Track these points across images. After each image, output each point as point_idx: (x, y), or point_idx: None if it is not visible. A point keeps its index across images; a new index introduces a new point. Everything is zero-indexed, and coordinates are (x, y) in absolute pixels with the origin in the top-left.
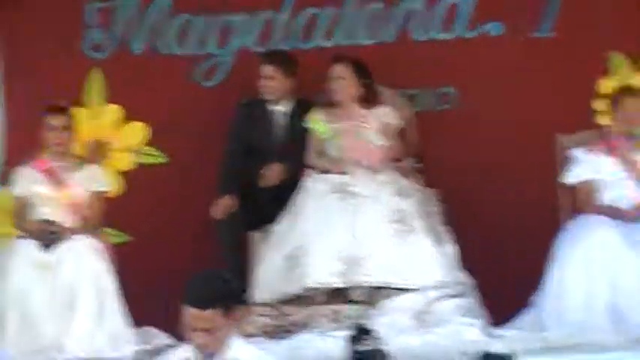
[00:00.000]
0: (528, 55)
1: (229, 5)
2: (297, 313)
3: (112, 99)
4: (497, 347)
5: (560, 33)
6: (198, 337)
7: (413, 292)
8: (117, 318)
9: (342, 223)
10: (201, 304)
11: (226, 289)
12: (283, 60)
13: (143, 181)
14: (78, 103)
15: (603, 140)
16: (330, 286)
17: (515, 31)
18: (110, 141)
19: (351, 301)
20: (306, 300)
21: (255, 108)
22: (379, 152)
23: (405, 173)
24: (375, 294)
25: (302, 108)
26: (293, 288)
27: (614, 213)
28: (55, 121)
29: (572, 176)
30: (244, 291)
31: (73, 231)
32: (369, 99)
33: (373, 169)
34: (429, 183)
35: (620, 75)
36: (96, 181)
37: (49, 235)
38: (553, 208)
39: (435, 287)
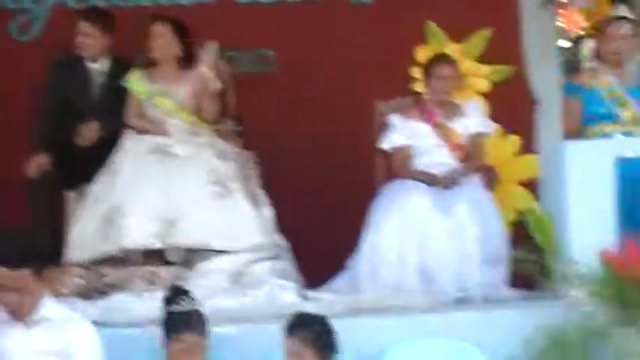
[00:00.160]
0: (348, 21)
1: None
2: (113, 274)
3: None
4: (311, 309)
5: (380, 0)
6: (8, 296)
7: (229, 254)
8: None
9: (159, 184)
10: (9, 263)
11: (35, 248)
12: (100, 17)
13: None
14: None
15: (418, 107)
16: (146, 247)
17: None
18: None
19: (167, 263)
20: (122, 261)
21: (72, 65)
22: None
23: (223, 136)
24: (192, 256)
25: (121, 67)
26: (109, 249)
27: (428, 179)
28: None
29: (388, 142)
30: (58, 251)
31: None
32: (187, 59)
33: (192, 132)
34: (247, 146)
35: (435, 44)
36: None
37: None
38: (370, 173)
39: (252, 250)
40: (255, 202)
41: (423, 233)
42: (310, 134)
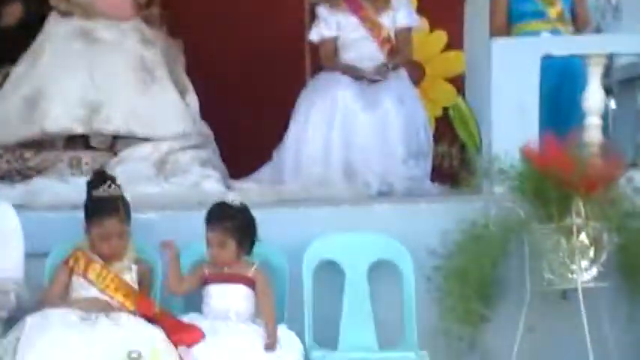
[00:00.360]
0: None
1: None
2: (35, 158)
3: None
4: (233, 198)
5: None
6: None
7: (154, 141)
8: None
9: (83, 68)
10: None
11: None
12: None
13: None
14: None
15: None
16: (69, 132)
17: None
18: None
19: (91, 148)
20: (45, 144)
21: None
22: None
23: (149, 22)
24: (116, 142)
25: None
26: (31, 132)
27: (355, 72)
28: None
29: (316, 33)
30: None
31: None
32: None
33: (119, 17)
34: (172, 33)
35: None
36: None
37: None
38: (298, 64)
39: (176, 138)
40: (180, 90)
41: (347, 127)
42: (238, 23)
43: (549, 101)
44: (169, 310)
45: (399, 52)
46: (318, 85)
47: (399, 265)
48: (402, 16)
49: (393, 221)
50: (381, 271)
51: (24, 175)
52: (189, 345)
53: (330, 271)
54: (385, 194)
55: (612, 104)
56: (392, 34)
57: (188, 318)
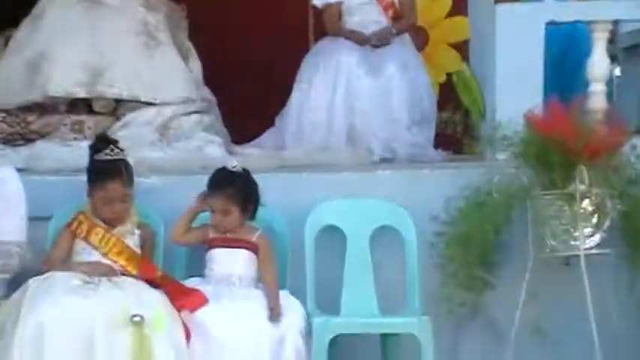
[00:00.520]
0: None
1: None
2: (37, 121)
3: None
4: (235, 164)
5: None
6: None
7: (157, 106)
8: None
9: (86, 32)
10: None
11: None
12: None
13: None
14: None
15: None
16: (72, 96)
17: None
18: None
19: (94, 112)
20: (48, 108)
21: None
22: None
23: None
24: (119, 106)
25: None
26: (34, 95)
27: (358, 38)
28: None
29: None
30: None
31: None
32: None
33: None
34: None
35: None
36: None
37: None
38: (302, 30)
39: (179, 102)
40: (183, 55)
41: (351, 92)
42: None
43: (554, 67)
44: (172, 274)
45: (403, 17)
46: (321, 50)
47: (402, 231)
48: None
49: (396, 187)
50: (383, 237)
51: (27, 138)
52: (192, 310)
53: (333, 237)
54: (388, 160)
55: (617, 71)
56: None
57: (191, 283)
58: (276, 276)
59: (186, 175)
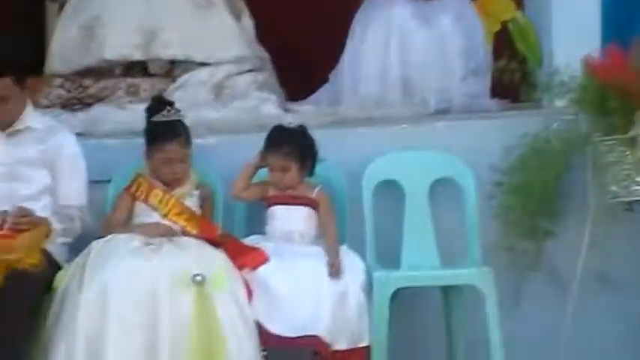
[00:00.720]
0: None
1: None
2: (94, 85)
3: None
4: (291, 121)
5: None
6: None
7: (211, 65)
8: None
9: None
10: None
11: (16, 57)
12: None
13: None
14: None
15: None
16: (127, 59)
17: None
18: None
19: (149, 75)
20: (103, 72)
21: None
22: None
23: None
24: (174, 67)
25: None
26: (89, 59)
27: None
28: None
29: None
30: (40, 62)
31: None
32: None
33: None
34: None
35: None
36: None
37: None
38: None
39: (233, 61)
40: (236, 13)
41: (404, 45)
42: None
43: (611, 11)
44: (231, 233)
45: None
46: (374, 5)
47: (461, 182)
48: None
49: (453, 138)
50: (441, 189)
51: (84, 103)
52: (253, 268)
53: (391, 191)
54: (444, 112)
55: None
56: None
57: (251, 240)
58: (336, 232)
59: (243, 134)
